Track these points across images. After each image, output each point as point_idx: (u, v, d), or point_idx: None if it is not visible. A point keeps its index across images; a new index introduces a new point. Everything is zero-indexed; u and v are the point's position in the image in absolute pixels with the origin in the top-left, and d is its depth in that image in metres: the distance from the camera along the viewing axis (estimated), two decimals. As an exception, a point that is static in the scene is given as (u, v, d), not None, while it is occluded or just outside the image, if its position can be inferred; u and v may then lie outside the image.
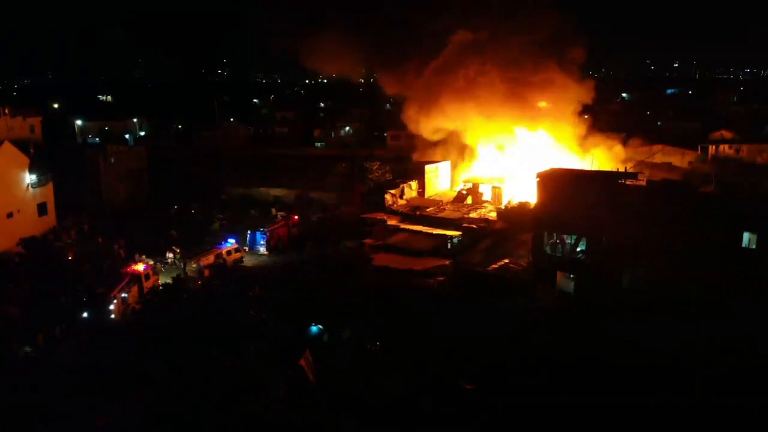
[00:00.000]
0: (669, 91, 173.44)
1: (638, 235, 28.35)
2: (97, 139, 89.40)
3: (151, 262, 39.37)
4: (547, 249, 33.25)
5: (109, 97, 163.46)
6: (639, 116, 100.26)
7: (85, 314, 30.83)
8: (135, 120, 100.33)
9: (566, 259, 30.73)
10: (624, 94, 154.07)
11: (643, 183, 36.80)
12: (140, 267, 35.69)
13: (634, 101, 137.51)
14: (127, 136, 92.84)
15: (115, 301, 31.65)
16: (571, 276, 29.39)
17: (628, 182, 34.09)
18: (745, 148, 54.28)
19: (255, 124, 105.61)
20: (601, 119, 73.56)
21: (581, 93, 57.86)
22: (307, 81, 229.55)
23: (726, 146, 55.53)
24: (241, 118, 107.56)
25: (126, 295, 32.52)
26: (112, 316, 31.56)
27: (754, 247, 27.93)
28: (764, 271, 26.89)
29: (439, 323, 27.52)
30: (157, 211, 54.51)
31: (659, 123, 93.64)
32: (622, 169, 37.54)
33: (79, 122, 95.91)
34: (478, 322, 27.23)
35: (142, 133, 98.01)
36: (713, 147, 55.75)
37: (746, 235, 28.09)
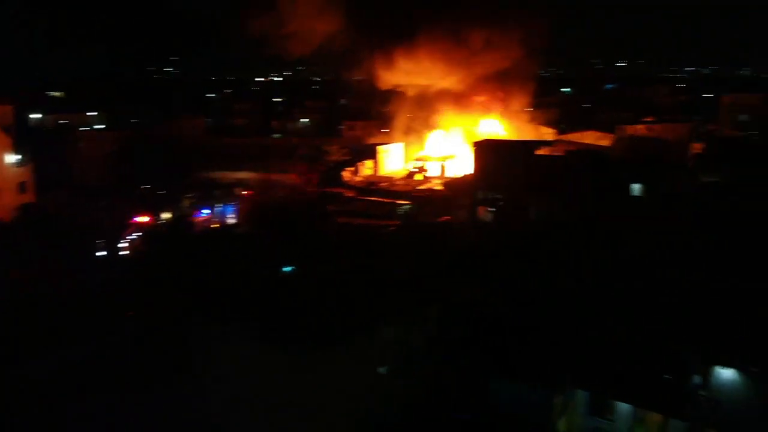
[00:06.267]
0: (607, 86, 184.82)
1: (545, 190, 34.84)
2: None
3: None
4: (481, 205, 39.46)
5: (61, 93, 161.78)
6: (576, 108, 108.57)
7: (103, 252, 36.04)
8: (91, 114, 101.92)
9: (487, 198, 37.39)
10: (563, 89, 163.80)
11: (562, 152, 43.65)
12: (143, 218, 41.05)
13: (573, 96, 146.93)
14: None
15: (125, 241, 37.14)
16: (491, 210, 35.68)
17: (547, 151, 40.83)
18: (657, 128, 61.90)
19: (212, 116, 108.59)
20: (540, 113, 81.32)
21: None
22: (257, 78, 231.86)
23: (642, 126, 63.06)
24: (195, 111, 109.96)
25: (134, 237, 37.90)
26: (126, 252, 37.03)
27: (640, 195, 34.94)
28: (647, 212, 33.69)
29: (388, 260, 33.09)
30: (126, 191, 58.43)
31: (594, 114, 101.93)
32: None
33: (34, 116, 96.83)
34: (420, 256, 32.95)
35: (100, 126, 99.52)
36: (629, 127, 63.27)
37: (635, 186, 35.02)
